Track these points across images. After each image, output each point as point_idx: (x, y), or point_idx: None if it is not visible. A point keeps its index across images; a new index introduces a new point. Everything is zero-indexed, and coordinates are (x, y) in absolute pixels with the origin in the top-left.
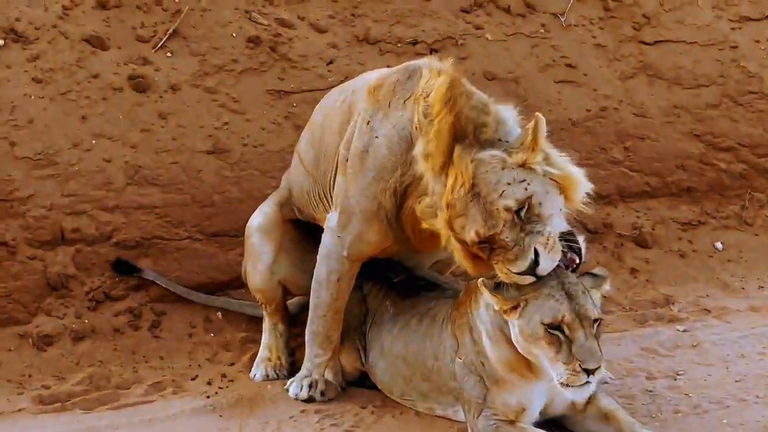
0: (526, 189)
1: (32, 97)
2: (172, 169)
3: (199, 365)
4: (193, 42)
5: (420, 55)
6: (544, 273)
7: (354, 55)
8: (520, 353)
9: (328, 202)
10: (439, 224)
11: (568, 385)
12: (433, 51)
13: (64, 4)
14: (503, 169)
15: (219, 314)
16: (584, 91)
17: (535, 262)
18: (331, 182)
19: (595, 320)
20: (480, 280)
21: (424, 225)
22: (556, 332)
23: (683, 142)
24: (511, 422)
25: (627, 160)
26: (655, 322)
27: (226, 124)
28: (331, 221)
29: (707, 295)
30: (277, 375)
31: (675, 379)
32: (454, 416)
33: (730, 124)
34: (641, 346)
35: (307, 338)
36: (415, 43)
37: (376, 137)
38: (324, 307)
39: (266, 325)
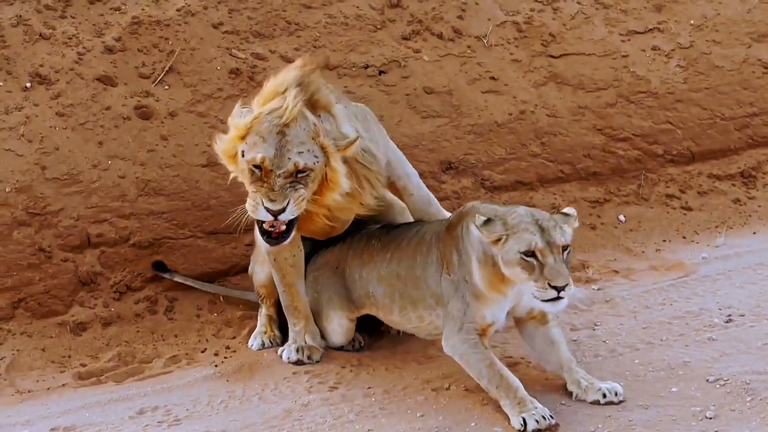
0: None
1: (57, 128)
2: (175, 181)
3: (206, 340)
4: (185, 76)
5: (371, 77)
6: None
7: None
8: (499, 274)
9: None
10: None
11: (541, 300)
12: (381, 72)
13: (78, 51)
14: None
15: (221, 298)
16: (506, 99)
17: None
18: None
19: (564, 247)
20: (473, 220)
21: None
22: (531, 258)
23: (588, 135)
24: (483, 345)
25: (544, 153)
26: (574, 284)
27: None
28: None
29: (615, 259)
30: (272, 344)
31: (593, 329)
32: (437, 319)
33: (625, 119)
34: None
35: (285, 314)
36: (366, 66)
37: None
38: (280, 285)
39: (262, 313)
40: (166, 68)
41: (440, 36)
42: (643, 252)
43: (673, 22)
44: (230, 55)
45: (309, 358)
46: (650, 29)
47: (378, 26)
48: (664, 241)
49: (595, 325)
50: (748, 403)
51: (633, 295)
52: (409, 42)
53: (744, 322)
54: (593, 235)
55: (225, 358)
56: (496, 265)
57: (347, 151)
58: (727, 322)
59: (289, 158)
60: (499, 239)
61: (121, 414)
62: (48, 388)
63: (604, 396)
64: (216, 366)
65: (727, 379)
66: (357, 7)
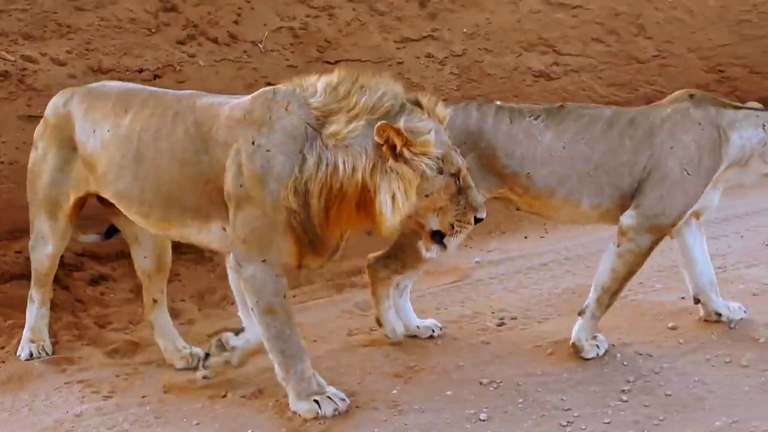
0: None
1: None
2: None
3: None
4: None
5: (145, 81)
6: None
7: (90, 83)
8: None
9: None
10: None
11: None
12: (156, 77)
13: None
14: None
15: None
16: None
17: None
18: None
19: None
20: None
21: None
22: None
23: None
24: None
25: None
26: (350, 289)
27: None
28: (244, 255)
29: None
30: (40, 354)
31: (370, 333)
32: (610, 207)
33: None
34: (342, 309)
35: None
36: (141, 71)
37: (267, 150)
38: (286, 329)
39: (33, 312)
40: None
41: (216, 41)
42: None
43: (446, 30)
44: None
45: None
46: (424, 36)
47: (152, 30)
48: None
49: (371, 330)
50: (519, 405)
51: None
52: (184, 46)
53: (516, 325)
54: (368, 240)
55: None
56: (745, 166)
57: None
58: (499, 325)
59: (461, 154)
60: None
61: None
62: None
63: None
64: None
65: (500, 382)
66: (130, 9)
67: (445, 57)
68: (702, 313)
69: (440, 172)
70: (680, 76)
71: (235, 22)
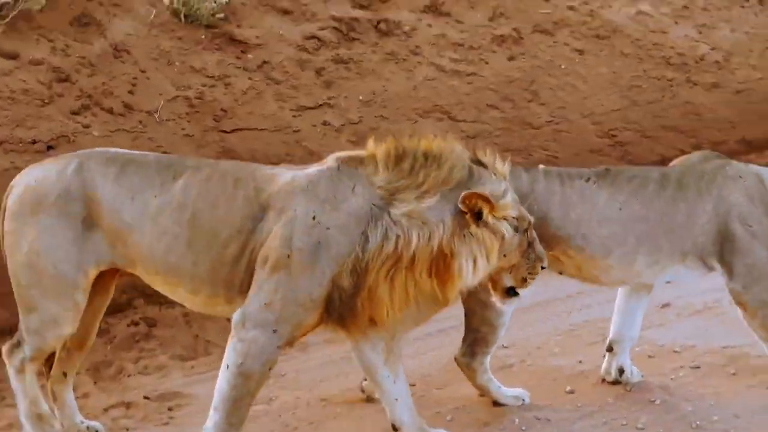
0: None
1: None
2: None
3: None
4: None
5: (39, 153)
6: None
7: None
8: None
9: None
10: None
11: None
12: (50, 148)
13: None
14: None
15: None
16: None
17: None
18: None
19: None
20: None
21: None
22: None
23: None
24: None
25: None
26: None
27: None
28: (258, 317)
29: None
30: None
31: (269, 404)
32: (669, 269)
33: None
34: None
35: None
36: (34, 142)
37: (328, 229)
38: (248, 398)
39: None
40: None
41: (111, 111)
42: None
43: (342, 97)
44: None
45: None
46: (320, 104)
47: (46, 100)
48: None
49: (271, 400)
50: None
51: (308, 369)
52: (78, 117)
53: (415, 391)
54: None
55: None
56: None
57: None
58: None
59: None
60: None
61: None
62: None
63: None
64: None
65: None
66: (23, 80)
67: (342, 124)
68: (602, 368)
69: (516, 230)
70: (574, 141)
71: (130, 92)
